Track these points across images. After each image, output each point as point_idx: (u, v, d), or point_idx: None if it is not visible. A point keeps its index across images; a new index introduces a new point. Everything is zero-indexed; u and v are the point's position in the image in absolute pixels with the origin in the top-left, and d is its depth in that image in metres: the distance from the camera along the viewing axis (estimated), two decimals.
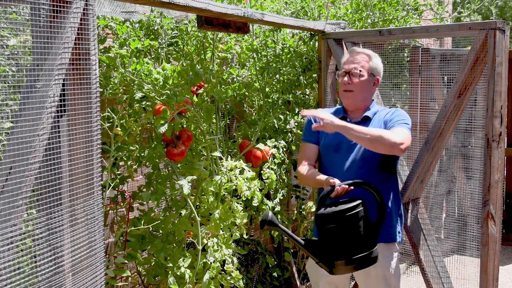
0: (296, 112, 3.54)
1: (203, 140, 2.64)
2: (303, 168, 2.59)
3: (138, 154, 2.40)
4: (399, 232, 2.58)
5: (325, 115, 2.29)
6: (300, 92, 3.63)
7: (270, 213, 2.18)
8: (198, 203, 2.65)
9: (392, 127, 2.43)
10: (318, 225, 2.23)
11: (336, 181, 2.32)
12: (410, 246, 3.16)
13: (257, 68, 3.22)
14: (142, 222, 2.40)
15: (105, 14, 2.62)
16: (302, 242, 2.23)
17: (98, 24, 2.54)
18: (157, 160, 2.40)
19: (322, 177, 2.41)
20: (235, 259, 2.61)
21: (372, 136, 2.29)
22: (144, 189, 2.49)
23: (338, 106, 2.75)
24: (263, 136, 3.25)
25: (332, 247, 2.18)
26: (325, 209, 2.22)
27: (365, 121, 2.56)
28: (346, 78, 2.52)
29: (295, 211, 3.73)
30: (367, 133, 2.30)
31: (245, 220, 2.65)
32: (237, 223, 2.63)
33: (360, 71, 2.51)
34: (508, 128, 5.72)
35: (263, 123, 3.14)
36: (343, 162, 2.52)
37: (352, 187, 2.28)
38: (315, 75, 3.55)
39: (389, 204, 2.55)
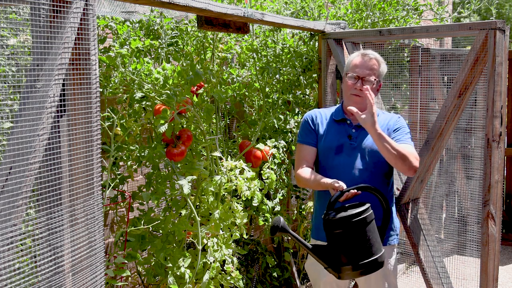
0: (296, 112, 3.54)
1: (203, 140, 2.64)
2: (304, 171, 2.54)
3: (138, 154, 2.40)
4: (397, 234, 2.62)
5: (372, 112, 2.32)
6: (300, 92, 3.63)
7: (282, 219, 2.13)
8: (198, 203, 2.65)
9: (399, 140, 2.45)
10: (327, 230, 2.18)
11: (343, 185, 2.29)
12: (410, 246, 3.16)
13: (257, 68, 3.22)
14: (142, 222, 2.40)
15: (105, 14, 2.62)
16: (311, 247, 2.20)
17: (98, 24, 2.54)
18: (157, 160, 2.39)
19: (328, 180, 2.38)
20: (235, 259, 2.61)
21: (398, 153, 2.33)
22: (144, 189, 2.49)
23: (337, 106, 2.70)
24: (263, 136, 3.25)
25: (341, 252, 2.14)
26: (334, 215, 2.17)
27: None
28: (358, 84, 2.48)
29: (295, 211, 3.73)
30: (396, 148, 2.34)
31: (245, 220, 2.65)
32: (237, 223, 2.63)
33: (375, 79, 2.50)
34: (508, 128, 5.72)
35: (263, 123, 3.13)
36: (345, 164, 2.49)
37: (360, 191, 2.26)
38: (315, 75, 3.55)
39: (391, 208, 2.57)
